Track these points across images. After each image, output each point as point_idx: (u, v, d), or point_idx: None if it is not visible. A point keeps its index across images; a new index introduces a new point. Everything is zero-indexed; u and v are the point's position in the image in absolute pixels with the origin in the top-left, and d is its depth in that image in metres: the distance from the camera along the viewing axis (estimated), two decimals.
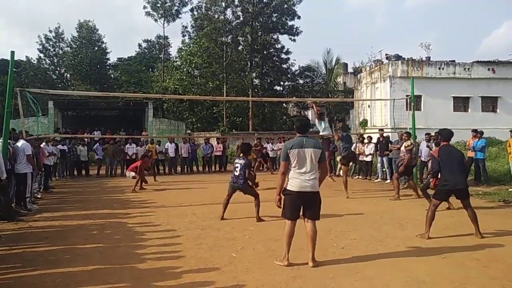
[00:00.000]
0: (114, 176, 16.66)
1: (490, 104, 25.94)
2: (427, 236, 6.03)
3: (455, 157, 6.26)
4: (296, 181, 4.78)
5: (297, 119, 5.25)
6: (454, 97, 25.53)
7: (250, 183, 7.59)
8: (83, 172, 16.92)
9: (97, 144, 17.43)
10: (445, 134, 6.53)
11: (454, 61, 25.83)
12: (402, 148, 10.25)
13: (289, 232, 4.84)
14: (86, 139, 18.67)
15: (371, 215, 7.84)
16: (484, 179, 12.24)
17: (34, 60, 39.68)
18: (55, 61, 41.28)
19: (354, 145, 9.50)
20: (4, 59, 34.99)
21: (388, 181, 13.34)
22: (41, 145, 11.11)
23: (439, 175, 6.26)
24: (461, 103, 25.83)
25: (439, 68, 25.40)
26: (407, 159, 9.80)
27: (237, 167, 7.39)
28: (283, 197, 4.89)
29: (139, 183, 12.11)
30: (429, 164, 8.02)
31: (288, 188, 4.85)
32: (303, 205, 4.83)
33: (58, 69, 41.86)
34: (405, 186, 11.00)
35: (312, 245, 4.81)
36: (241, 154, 7.70)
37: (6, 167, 7.36)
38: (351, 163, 11.36)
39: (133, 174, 12.51)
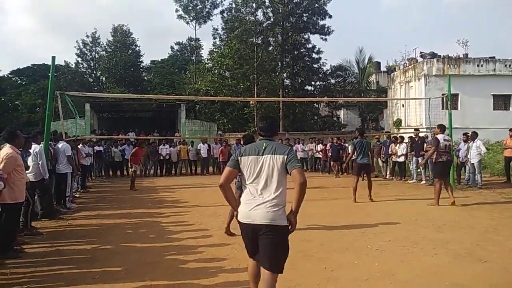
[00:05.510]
0: (148, 176, 17.06)
1: None
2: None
3: None
4: (243, 207, 3.30)
5: (260, 117, 3.62)
6: (494, 95, 24.50)
7: None
8: (118, 172, 17.39)
9: (125, 145, 17.58)
10: None
11: (494, 57, 24.78)
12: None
13: (251, 273, 3.46)
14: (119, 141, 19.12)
15: (406, 217, 7.64)
16: None
17: (72, 64, 41.37)
18: (92, 64, 42.81)
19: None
20: (45, 64, 36.54)
21: (423, 182, 12.98)
22: (79, 146, 11.53)
23: None
24: (501, 101, 24.75)
25: (478, 65, 24.41)
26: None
27: None
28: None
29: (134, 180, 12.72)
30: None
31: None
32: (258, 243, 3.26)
33: (95, 72, 43.39)
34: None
35: None
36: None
37: (48, 168, 7.69)
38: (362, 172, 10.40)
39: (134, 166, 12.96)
